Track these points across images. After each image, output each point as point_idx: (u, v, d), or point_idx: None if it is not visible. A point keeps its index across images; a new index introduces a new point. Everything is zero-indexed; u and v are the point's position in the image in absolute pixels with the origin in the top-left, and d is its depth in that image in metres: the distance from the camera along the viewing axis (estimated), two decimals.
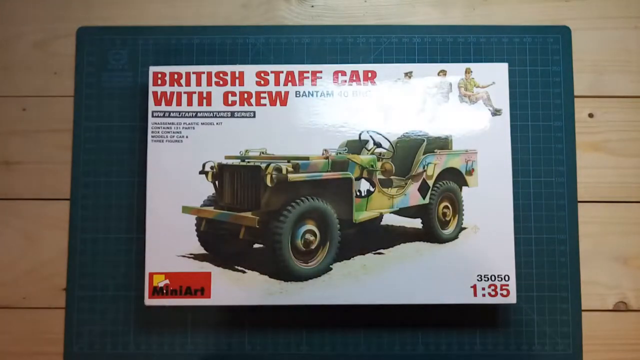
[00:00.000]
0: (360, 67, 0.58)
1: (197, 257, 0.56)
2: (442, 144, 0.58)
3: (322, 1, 0.66)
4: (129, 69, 0.63)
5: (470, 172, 0.58)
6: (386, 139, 0.58)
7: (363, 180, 0.59)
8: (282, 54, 0.64)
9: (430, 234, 0.59)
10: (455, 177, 0.59)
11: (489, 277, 0.56)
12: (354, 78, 0.58)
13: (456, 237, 0.57)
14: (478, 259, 0.56)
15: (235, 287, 0.55)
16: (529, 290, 0.61)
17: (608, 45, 0.65)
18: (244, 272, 0.56)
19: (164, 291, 0.55)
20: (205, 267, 0.56)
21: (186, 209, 0.56)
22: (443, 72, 0.58)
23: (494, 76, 0.58)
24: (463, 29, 0.64)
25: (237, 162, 0.57)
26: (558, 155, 0.62)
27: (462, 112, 0.57)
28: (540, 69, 0.63)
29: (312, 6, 0.66)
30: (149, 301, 0.56)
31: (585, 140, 0.63)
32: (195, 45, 0.64)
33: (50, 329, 0.61)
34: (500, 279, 0.56)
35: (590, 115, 0.64)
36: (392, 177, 0.60)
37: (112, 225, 0.62)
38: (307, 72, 0.58)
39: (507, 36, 0.64)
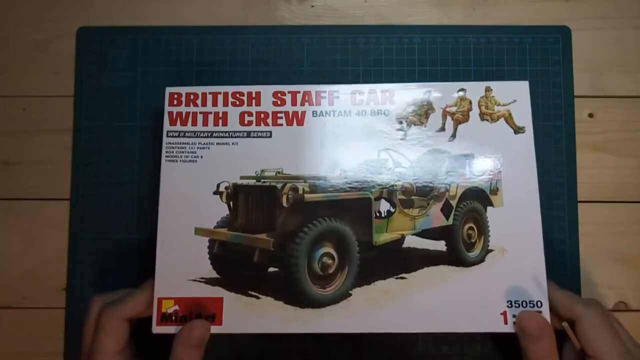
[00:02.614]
0: (378, 87, 0.57)
1: (208, 281, 0.54)
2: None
3: (322, 1, 0.66)
4: (129, 69, 0.63)
5: (494, 191, 0.55)
6: (406, 157, 0.56)
7: (383, 201, 0.57)
8: (282, 54, 0.64)
9: (455, 257, 0.55)
10: (479, 197, 0.57)
11: (520, 303, 0.52)
12: (372, 98, 0.57)
13: (482, 259, 0.54)
14: (507, 283, 0.53)
15: (249, 314, 0.52)
16: None
17: (608, 45, 0.65)
18: (257, 297, 0.53)
19: (173, 317, 0.52)
20: (218, 292, 0.53)
21: (199, 231, 0.54)
22: (462, 91, 0.57)
23: (515, 94, 0.56)
24: (463, 29, 0.64)
25: (252, 182, 0.56)
26: (558, 155, 0.62)
27: (483, 129, 0.56)
28: (540, 69, 0.63)
29: (312, 6, 0.66)
30: (157, 329, 0.52)
31: (585, 140, 0.63)
32: (195, 45, 0.64)
33: (50, 329, 0.61)
34: (532, 305, 0.52)
35: (590, 115, 0.64)
36: (413, 197, 0.57)
37: (112, 225, 0.62)
38: (324, 91, 0.57)
39: (507, 36, 0.64)
